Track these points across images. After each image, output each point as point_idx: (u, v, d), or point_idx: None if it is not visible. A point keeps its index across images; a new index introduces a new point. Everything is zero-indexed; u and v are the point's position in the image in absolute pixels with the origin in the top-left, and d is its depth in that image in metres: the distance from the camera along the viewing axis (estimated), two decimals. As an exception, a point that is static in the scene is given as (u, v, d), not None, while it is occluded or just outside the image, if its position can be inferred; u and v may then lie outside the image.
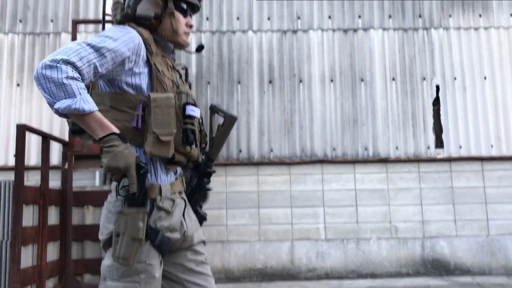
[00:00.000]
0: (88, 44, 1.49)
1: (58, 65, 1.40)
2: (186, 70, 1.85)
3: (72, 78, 1.41)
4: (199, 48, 1.86)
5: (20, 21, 5.65)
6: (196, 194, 1.83)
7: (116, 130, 1.49)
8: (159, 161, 1.64)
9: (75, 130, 1.66)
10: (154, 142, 1.55)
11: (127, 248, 1.47)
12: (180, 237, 1.64)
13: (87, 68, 1.46)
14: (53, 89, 1.40)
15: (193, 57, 5.63)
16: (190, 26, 1.79)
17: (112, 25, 1.78)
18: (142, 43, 1.63)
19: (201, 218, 1.84)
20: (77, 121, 1.48)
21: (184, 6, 1.77)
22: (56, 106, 1.40)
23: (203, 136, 1.82)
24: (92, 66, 1.47)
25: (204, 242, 1.79)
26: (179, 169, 1.72)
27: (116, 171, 1.48)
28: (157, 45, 1.71)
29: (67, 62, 1.41)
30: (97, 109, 1.46)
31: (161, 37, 1.73)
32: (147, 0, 1.69)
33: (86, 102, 1.42)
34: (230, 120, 1.85)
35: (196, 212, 1.83)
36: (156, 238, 1.57)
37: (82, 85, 1.44)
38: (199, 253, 1.74)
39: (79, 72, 1.43)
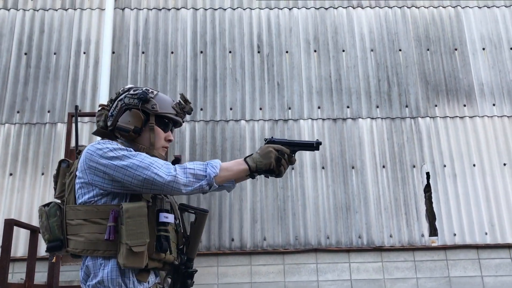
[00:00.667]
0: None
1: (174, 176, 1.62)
2: None
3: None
4: (176, 161, 1.89)
5: (18, 112, 5.79)
6: None
7: (245, 164, 1.71)
8: (131, 272, 1.61)
9: (51, 248, 1.68)
10: (127, 253, 1.55)
11: None
12: None
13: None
14: (193, 178, 1.63)
15: (187, 144, 5.73)
16: (169, 141, 1.85)
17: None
18: None
19: None
20: (224, 178, 1.69)
21: (166, 121, 1.82)
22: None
23: (180, 237, 1.81)
24: None
25: None
26: (152, 278, 1.68)
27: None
28: None
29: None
30: (216, 171, 1.66)
31: (137, 148, 1.77)
32: (129, 114, 1.76)
33: (212, 167, 1.67)
34: (201, 216, 1.85)
35: None
36: None
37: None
38: None
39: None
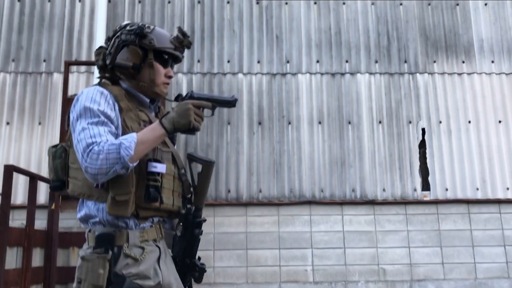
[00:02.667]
0: (89, 124, 1.60)
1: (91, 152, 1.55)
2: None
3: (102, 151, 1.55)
4: (178, 98, 1.88)
5: (13, 60, 5.72)
6: (186, 243, 1.82)
7: (161, 128, 1.64)
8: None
9: (54, 187, 1.72)
10: (111, 202, 1.58)
11: None
12: (153, 285, 1.63)
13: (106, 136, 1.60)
14: (107, 165, 1.54)
15: (172, 96, 5.70)
16: (169, 77, 1.82)
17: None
18: (114, 100, 1.68)
19: (201, 271, 1.84)
20: (142, 153, 1.61)
21: (165, 57, 1.79)
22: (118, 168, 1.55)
23: (187, 187, 1.82)
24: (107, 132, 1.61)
25: None
26: (155, 218, 1.73)
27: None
28: (132, 99, 1.75)
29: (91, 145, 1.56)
30: (133, 139, 1.58)
31: (138, 87, 1.77)
32: (127, 50, 1.74)
33: (125, 149, 1.55)
34: (208, 166, 1.86)
35: (195, 265, 1.83)
36: (123, 285, 1.57)
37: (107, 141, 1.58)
38: None
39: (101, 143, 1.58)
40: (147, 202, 1.62)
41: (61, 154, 1.71)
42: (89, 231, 1.67)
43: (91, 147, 1.53)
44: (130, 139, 1.55)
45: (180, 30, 1.80)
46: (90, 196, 1.63)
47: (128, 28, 1.75)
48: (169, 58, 1.81)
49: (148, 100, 1.81)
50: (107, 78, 1.83)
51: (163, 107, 1.95)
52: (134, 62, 1.73)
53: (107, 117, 1.62)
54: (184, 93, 1.81)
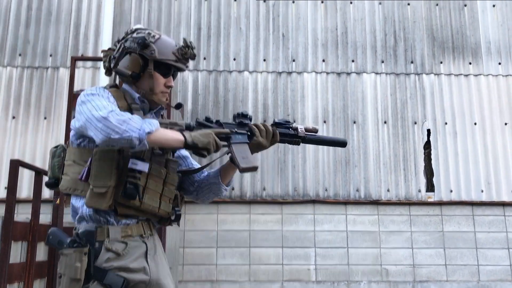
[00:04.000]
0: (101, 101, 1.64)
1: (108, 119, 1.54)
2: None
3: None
4: (178, 106, 1.88)
5: (20, 55, 5.73)
6: None
7: (181, 136, 1.65)
8: (106, 212, 1.68)
9: (48, 184, 1.77)
10: (90, 193, 1.61)
11: None
12: (140, 279, 1.66)
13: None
14: (125, 127, 1.53)
15: (189, 94, 5.71)
16: (169, 87, 1.82)
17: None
18: (114, 100, 1.72)
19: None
20: (157, 141, 1.62)
21: (167, 67, 1.80)
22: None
23: (171, 191, 1.80)
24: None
25: None
26: (132, 221, 1.73)
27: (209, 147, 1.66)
28: (126, 100, 1.77)
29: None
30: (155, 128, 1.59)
31: (138, 91, 1.80)
32: (129, 58, 1.76)
33: (148, 123, 1.57)
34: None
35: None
36: (104, 278, 1.59)
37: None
38: None
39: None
40: (124, 199, 1.63)
41: (60, 154, 1.76)
42: (75, 229, 1.71)
43: (111, 111, 1.54)
44: (155, 122, 1.58)
45: (185, 41, 1.79)
46: (76, 190, 1.66)
47: (135, 34, 1.78)
48: (171, 69, 1.81)
49: (137, 95, 1.80)
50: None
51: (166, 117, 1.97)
52: (133, 71, 1.76)
53: (115, 104, 1.68)
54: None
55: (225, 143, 1.75)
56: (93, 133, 1.54)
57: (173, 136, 1.62)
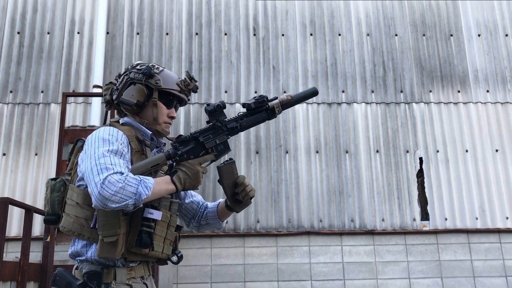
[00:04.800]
0: (109, 152, 1.60)
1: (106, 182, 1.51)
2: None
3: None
4: (179, 260, 1.84)
5: (11, 91, 5.73)
6: None
7: (172, 185, 1.67)
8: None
9: (47, 220, 1.72)
10: (101, 243, 1.59)
11: None
12: None
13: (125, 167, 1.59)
14: (122, 195, 1.51)
15: (181, 126, 5.71)
16: (172, 117, 1.85)
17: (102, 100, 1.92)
18: (128, 141, 1.71)
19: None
20: (153, 198, 1.62)
21: (170, 98, 1.83)
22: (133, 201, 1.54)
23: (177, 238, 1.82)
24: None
25: None
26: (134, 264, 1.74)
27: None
28: (138, 139, 1.77)
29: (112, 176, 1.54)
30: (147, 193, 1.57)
31: (141, 122, 1.81)
32: (133, 88, 1.79)
33: (145, 187, 1.55)
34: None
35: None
36: None
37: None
38: None
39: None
40: (137, 248, 1.62)
41: (60, 188, 1.73)
42: (76, 268, 1.68)
43: (111, 173, 1.50)
44: (152, 180, 1.57)
45: (188, 74, 1.84)
46: (81, 235, 1.64)
47: (138, 67, 1.82)
48: (174, 100, 1.85)
49: (150, 132, 1.82)
50: (115, 110, 1.89)
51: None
52: (138, 100, 1.77)
53: (124, 152, 1.64)
54: (181, 126, 1.86)
55: (212, 159, 1.82)
56: (90, 193, 1.52)
57: (166, 188, 1.63)
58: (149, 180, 1.56)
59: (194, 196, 2.03)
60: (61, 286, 1.61)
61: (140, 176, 1.57)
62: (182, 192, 1.99)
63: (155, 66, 1.81)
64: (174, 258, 1.79)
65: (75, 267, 1.69)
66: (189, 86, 1.83)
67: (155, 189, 1.58)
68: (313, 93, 1.91)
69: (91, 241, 1.63)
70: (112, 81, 1.89)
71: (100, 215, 1.58)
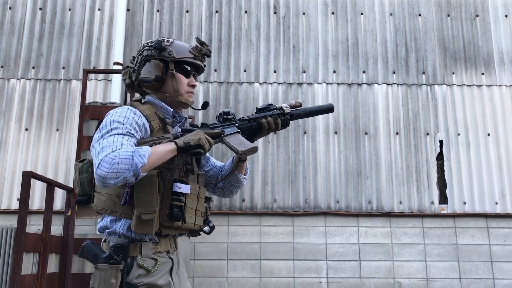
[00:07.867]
0: (113, 133, 1.62)
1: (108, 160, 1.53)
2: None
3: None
4: (205, 105, 1.92)
5: (33, 67, 5.80)
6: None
7: (172, 144, 1.65)
8: None
9: (79, 201, 1.76)
10: (138, 220, 1.61)
11: None
12: None
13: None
14: (118, 169, 1.52)
15: (200, 105, 5.71)
16: (193, 86, 1.87)
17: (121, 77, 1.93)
18: (145, 121, 1.72)
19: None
20: (153, 164, 1.61)
21: (187, 67, 1.85)
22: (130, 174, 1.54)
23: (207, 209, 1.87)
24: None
25: None
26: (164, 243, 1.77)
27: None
28: (159, 117, 1.78)
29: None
30: (145, 158, 1.56)
31: (164, 98, 1.83)
32: (149, 64, 1.81)
33: (139, 156, 1.55)
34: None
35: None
36: None
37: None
38: None
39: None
40: (170, 221, 1.66)
41: (88, 169, 1.76)
42: (104, 241, 1.73)
43: (109, 152, 1.53)
44: (145, 149, 1.58)
45: (198, 39, 1.87)
46: (113, 212, 1.67)
47: (148, 44, 1.84)
48: (191, 68, 1.87)
49: (171, 110, 1.84)
50: (138, 92, 1.91)
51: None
52: (157, 75, 1.79)
53: (133, 131, 1.66)
54: (200, 105, 1.87)
55: (218, 138, 1.81)
56: (94, 169, 1.55)
57: (165, 149, 1.63)
58: (143, 149, 1.56)
59: (216, 163, 2.06)
60: (89, 258, 1.64)
61: (135, 147, 1.58)
62: (204, 161, 2.02)
63: (165, 39, 1.82)
64: (207, 228, 1.83)
65: (103, 239, 1.73)
66: (201, 51, 1.84)
67: (153, 154, 1.58)
68: (329, 109, 2.01)
69: (124, 217, 1.66)
70: (129, 65, 1.91)
71: (138, 191, 1.61)
